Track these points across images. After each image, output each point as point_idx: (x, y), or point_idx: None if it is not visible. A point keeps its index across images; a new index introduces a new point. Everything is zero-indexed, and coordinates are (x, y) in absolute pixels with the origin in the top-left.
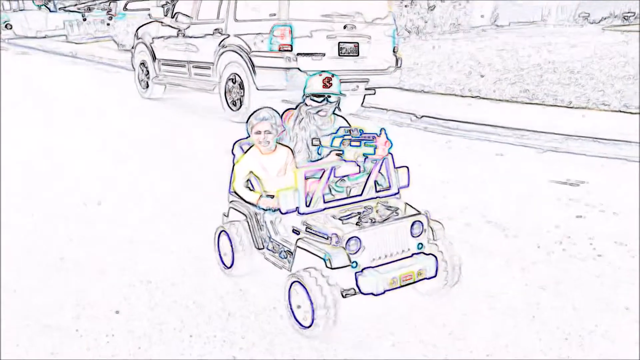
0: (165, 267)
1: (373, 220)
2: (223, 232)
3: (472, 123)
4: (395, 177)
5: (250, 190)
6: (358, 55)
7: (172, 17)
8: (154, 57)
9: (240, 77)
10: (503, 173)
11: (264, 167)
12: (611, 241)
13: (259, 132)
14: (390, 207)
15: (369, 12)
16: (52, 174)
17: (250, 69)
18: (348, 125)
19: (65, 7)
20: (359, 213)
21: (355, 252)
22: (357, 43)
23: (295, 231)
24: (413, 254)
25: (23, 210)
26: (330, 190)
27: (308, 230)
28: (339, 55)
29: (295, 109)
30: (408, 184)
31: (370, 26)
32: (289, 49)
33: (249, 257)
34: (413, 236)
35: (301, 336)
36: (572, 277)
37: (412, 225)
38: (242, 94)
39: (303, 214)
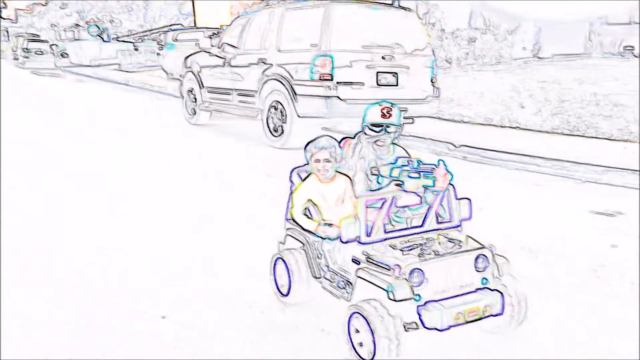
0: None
1: (436, 252)
2: (280, 260)
3: (511, 153)
4: (456, 208)
5: (308, 218)
6: (397, 85)
7: (219, 47)
8: (201, 85)
9: (282, 105)
10: (540, 202)
11: (322, 196)
12: None
13: (318, 161)
14: (453, 239)
15: (408, 44)
16: (107, 195)
17: (292, 97)
18: (407, 156)
19: (118, 38)
20: (420, 244)
21: (419, 285)
22: (396, 73)
23: (355, 261)
24: (477, 289)
25: (82, 228)
26: (390, 221)
27: (369, 260)
28: (378, 85)
29: (354, 138)
30: (470, 216)
31: (409, 57)
32: (329, 78)
33: (306, 285)
34: (477, 270)
35: None
36: (604, 304)
37: (477, 258)
38: (284, 121)
39: (364, 243)
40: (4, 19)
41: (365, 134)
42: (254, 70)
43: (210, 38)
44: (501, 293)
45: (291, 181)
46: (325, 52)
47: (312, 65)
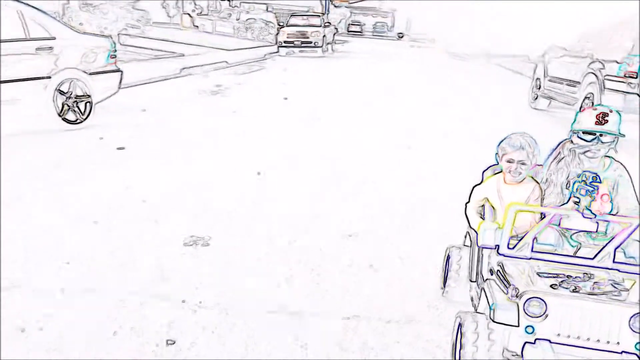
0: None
1: (576, 289)
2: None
3: None
4: (636, 249)
5: (481, 217)
6: None
7: None
8: (545, 73)
9: (593, 95)
10: None
11: (501, 197)
12: None
13: (511, 161)
14: (617, 283)
15: None
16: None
17: (600, 89)
18: (627, 174)
19: None
20: (570, 277)
21: (537, 316)
22: None
23: (491, 271)
24: (623, 352)
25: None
26: (563, 242)
27: (498, 272)
28: None
29: (558, 146)
30: None
31: None
32: (634, 76)
33: (462, 285)
34: (633, 331)
35: None
36: None
37: (634, 316)
38: None
39: (501, 254)
40: None
41: (572, 142)
42: (580, 65)
43: None
44: None
45: (482, 177)
46: (636, 54)
47: (624, 63)
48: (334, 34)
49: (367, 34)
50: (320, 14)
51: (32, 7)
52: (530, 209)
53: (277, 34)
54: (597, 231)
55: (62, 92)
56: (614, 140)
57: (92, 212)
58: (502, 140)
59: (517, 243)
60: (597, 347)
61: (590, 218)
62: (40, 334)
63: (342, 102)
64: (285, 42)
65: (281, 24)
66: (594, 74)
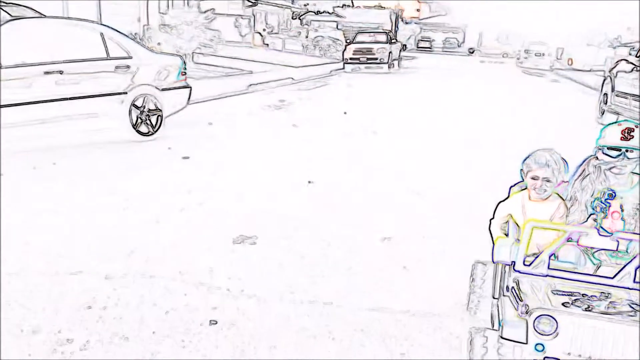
0: None
1: (589, 308)
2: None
3: None
4: None
5: (505, 234)
6: None
7: (637, 57)
8: (612, 89)
9: None
10: None
11: (524, 214)
12: None
13: (536, 178)
14: (635, 304)
15: None
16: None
17: None
18: None
19: None
20: (586, 295)
21: (547, 334)
22: None
23: (507, 287)
24: None
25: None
26: (585, 260)
27: (513, 289)
28: None
29: (583, 163)
30: None
31: None
32: None
33: (486, 302)
34: None
35: None
36: None
37: None
38: None
39: (517, 271)
40: None
41: (597, 158)
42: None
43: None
44: None
45: (509, 193)
46: None
47: None
48: (400, 50)
49: (436, 49)
50: (387, 31)
51: (112, 28)
52: (546, 225)
53: (344, 50)
54: (617, 250)
55: (136, 107)
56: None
57: (156, 212)
58: (527, 157)
59: (534, 260)
60: None
61: (606, 236)
62: (103, 312)
63: (400, 117)
64: (351, 58)
65: (348, 40)
66: None
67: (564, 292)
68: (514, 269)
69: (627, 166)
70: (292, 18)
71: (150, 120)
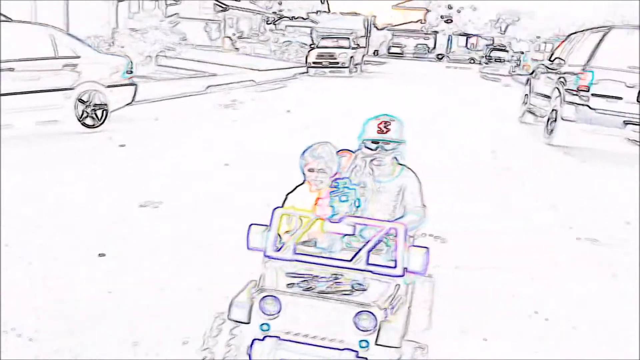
0: None
1: (310, 288)
2: None
3: None
4: (403, 256)
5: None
6: None
7: (550, 60)
8: (530, 90)
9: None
10: None
11: (305, 205)
12: None
13: (312, 170)
14: (359, 284)
15: None
16: None
17: (561, 102)
18: (417, 179)
19: None
20: (317, 277)
21: (272, 314)
22: None
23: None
24: (345, 349)
25: None
26: (341, 245)
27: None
28: (638, 101)
29: (356, 157)
30: (423, 272)
31: None
32: (585, 89)
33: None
34: (359, 328)
35: None
36: None
37: (358, 314)
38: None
39: (267, 256)
40: None
41: (363, 152)
42: (553, 79)
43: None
44: None
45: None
46: (588, 69)
47: (577, 77)
48: (363, 56)
49: (408, 55)
50: (349, 37)
51: (63, 31)
52: (291, 212)
53: (307, 55)
54: (353, 234)
55: (82, 101)
56: (395, 148)
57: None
58: (304, 151)
59: (282, 247)
60: (322, 344)
61: (335, 222)
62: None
63: (341, 115)
64: (314, 62)
65: (312, 45)
66: (557, 88)
67: (296, 274)
68: (264, 255)
69: (385, 157)
70: (267, 23)
71: (96, 114)
